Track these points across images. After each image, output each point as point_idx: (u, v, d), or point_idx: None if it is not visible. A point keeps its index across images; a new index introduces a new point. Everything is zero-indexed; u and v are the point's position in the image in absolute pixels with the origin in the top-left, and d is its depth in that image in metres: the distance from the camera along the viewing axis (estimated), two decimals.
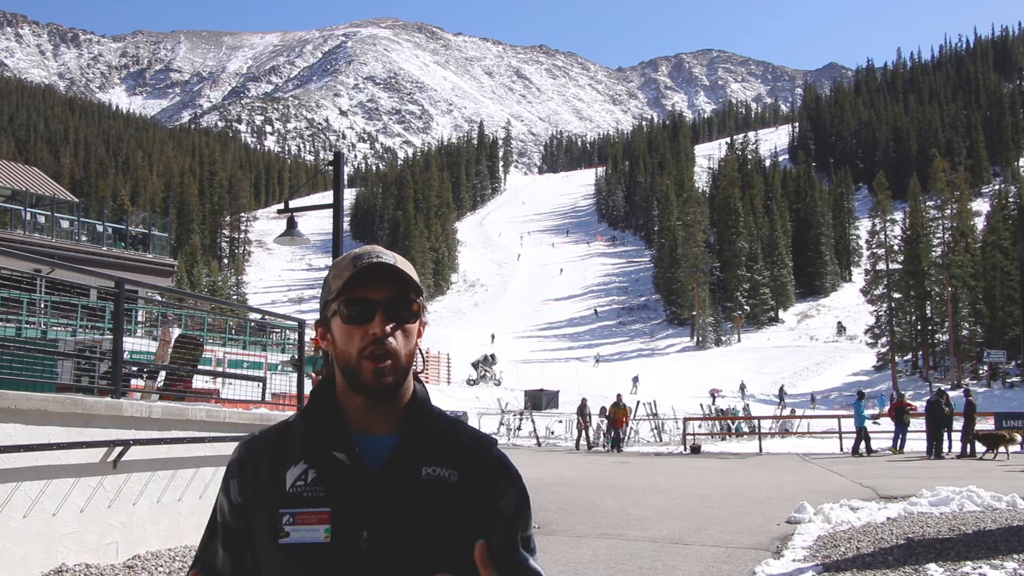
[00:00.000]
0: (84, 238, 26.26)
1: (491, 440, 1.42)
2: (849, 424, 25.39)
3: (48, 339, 14.73)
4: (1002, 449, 19.51)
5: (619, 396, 25.70)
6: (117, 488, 6.50)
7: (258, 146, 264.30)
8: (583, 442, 26.06)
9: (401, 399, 1.36)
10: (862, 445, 21.84)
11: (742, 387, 51.20)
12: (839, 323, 78.25)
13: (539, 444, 27.38)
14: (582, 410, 26.32)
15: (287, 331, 21.51)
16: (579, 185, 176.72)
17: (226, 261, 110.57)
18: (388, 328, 1.31)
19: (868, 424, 23.25)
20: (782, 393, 49.63)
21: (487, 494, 1.34)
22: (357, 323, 1.31)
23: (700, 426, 29.27)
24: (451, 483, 1.31)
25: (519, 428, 29.97)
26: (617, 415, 24.75)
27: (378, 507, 1.26)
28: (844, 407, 45.35)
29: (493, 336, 52.44)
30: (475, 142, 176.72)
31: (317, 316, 1.42)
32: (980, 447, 20.21)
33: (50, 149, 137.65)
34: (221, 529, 1.35)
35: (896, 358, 59.35)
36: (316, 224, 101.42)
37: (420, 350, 1.40)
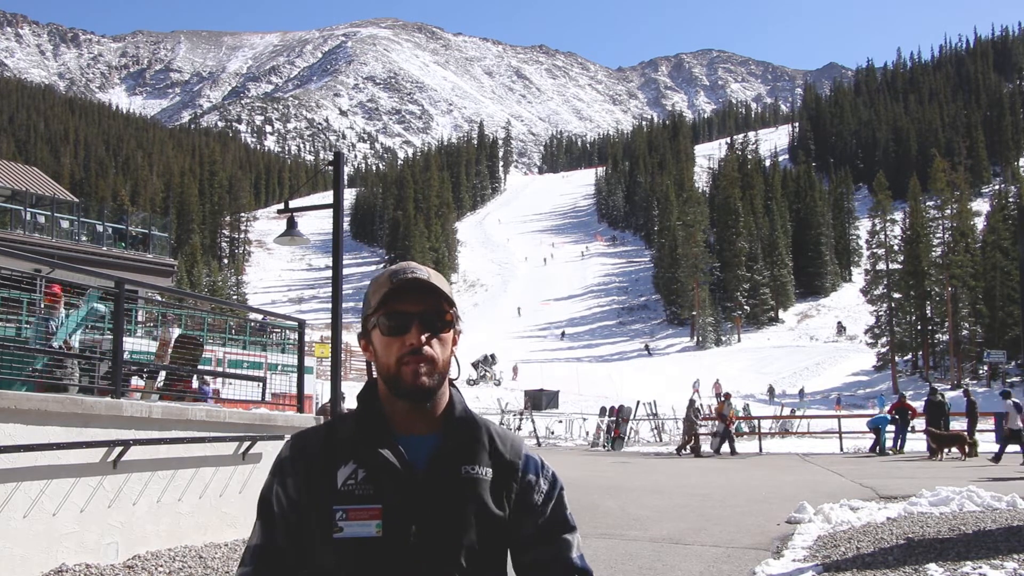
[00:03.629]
0: (84, 238, 26.22)
1: (520, 440, 1.56)
2: (848, 425, 25.44)
3: None
4: (954, 450, 19.19)
5: (728, 395, 24.73)
6: (117, 488, 6.49)
7: (258, 146, 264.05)
8: (687, 448, 23.21)
9: (439, 402, 1.48)
10: (887, 443, 21.81)
11: (770, 390, 50.49)
12: (839, 323, 78.17)
13: (539, 444, 27.39)
14: (690, 412, 23.61)
15: (287, 331, 21.48)
16: (579, 185, 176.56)
17: (226, 261, 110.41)
18: (423, 338, 1.42)
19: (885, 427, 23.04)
20: (783, 394, 49.55)
21: (518, 489, 1.48)
22: (395, 335, 1.43)
23: (700, 426, 29.24)
24: (486, 480, 1.45)
25: (519, 428, 29.96)
26: (729, 414, 23.39)
27: (425, 503, 1.39)
28: (844, 407, 45.42)
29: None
30: (475, 142, 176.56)
31: (359, 329, 1.55)
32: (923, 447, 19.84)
33: (50, 149, 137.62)
34: (280, 520, 1.46)
35: (896, 358, 59.33)
36: (316, 224, 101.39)
37: (456, 358, 1.52)
